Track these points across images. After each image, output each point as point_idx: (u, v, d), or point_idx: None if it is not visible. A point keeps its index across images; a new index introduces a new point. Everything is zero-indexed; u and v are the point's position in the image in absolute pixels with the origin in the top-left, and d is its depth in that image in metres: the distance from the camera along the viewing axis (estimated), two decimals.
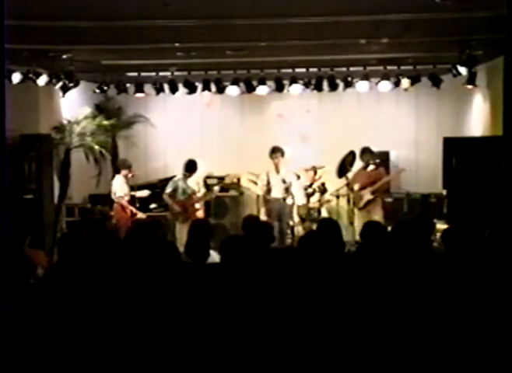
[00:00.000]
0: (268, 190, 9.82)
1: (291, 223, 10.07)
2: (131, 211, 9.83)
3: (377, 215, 9.60)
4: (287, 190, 9.79)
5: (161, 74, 10.79)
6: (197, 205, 10.03)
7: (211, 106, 12.39)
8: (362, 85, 10.64)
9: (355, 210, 10.02)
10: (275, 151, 9.79)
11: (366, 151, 10.02)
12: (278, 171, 9.79)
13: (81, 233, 5.56)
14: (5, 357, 2.97)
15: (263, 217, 9.59)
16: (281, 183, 9.76)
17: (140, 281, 4.30)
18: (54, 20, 7.00)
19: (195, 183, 10.24)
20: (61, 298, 4.08)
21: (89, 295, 4.11)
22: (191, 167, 9.91)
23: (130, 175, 10.01)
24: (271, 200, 9.81)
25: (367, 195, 9.90)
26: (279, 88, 10.83)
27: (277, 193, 9.78)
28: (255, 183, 10.58)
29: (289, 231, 10.02)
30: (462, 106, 11.53)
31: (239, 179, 11.94)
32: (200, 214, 10.06)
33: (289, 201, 9.90)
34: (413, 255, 4.94)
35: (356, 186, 9.98)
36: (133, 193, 10.11)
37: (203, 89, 10.97)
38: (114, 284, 4.28)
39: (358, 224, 9.15)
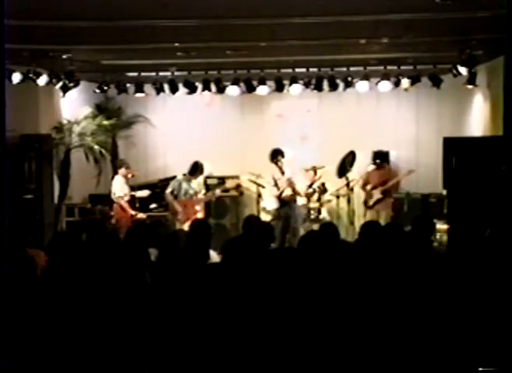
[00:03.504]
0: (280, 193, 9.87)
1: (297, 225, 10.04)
2: (131, 212, 9.83)
3: (385, 215, 9.61)
4: (294, 190, 9.83)
5: (161, 74, 10.79)
6: (197, 206, 10.03)
7: (211, 106, 12.39)
8: (362, 85, 10.64)
9: (364, 209, 10.06)
10: (276, 155, 9.80)
11: (378, 154, 10.15)
12: (283, 172, 9.80)
13: (75, 233, 5.55)
14: (5, 358, 2.97)
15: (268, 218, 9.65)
16: (288, 184, 9.79)
17: (139, 281, 4.30)
18: (54, 20, 6.99)
19: (196, 183, 10.25)
20: (60, 299, 4.07)
21: (88, 296, 4.11)
22: (196, 169, 9.88)
23: (129, 175, 10.01)
24: (282, 203, 9.85)
25: (377, 194, 9.94)
26: (279, 88, 10.84)
27: (286, 195, 9.81)
28: (256, 184, 10.58)
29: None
30: (462, 106, 11.52)
31: (238, 184, 11.91)
32: (200, 214, 10.07)
33: (299, 201, 9.95)
34: (413, 255, 4.95)
35: (369, 187, 10.03)
36: (133, 193, 10.11)
37: (203, 89, 10.98)
38: (114, 285, 4.27)
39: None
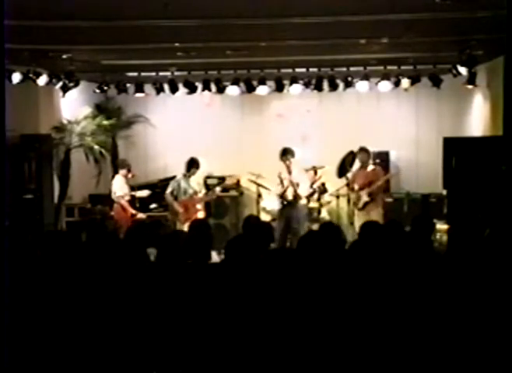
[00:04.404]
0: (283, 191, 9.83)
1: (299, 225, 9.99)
2: (131, 211, 9.83)
3: (376, 215, 9.57)
4: (296, 192, 9.80)
5: (161, 74, 10.79)
6: (198, 206, 10.02)
7: (211, 106, 12.39)
8: (362, 85, 10.64)
9: (356, 211, 10.01)
10: (286, 153, 9.75)
11: (361, 150, 10.00)
12: (290, 172, 9.76)
13: (70, 231, 5.55)
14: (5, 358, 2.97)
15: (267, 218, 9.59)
16: (290, 185, 9.76)
17: (140, 281, 4.30)
18: (54, 20, 7.00)
19: (196, 183, 10.23)
20: (56, 297, 4.08)
21: (87, 295, 4.11)
22: (192, 165, 9.86)
23: (130, 175, 10.00)
24: (284, 202, 9.81)
25: (364, 196, 9.85)
26: (279, 88, 10.84)
27: (289, 194, 9.78)
28: (255, 183, 10.56)
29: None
30: (462, 106, 11.53)
31: (238, 181, 11.93)
32: (201, 214, 10.06)
33: (302, 202, 9.90)
34: (413, 255, 4.95)
35: (356, 187, 9.96)
36: (133, 193, 10.11)
37: (203, 89, 10.98)
38: (114, 284, 4.27)
39: (358, 224, 9.12)
